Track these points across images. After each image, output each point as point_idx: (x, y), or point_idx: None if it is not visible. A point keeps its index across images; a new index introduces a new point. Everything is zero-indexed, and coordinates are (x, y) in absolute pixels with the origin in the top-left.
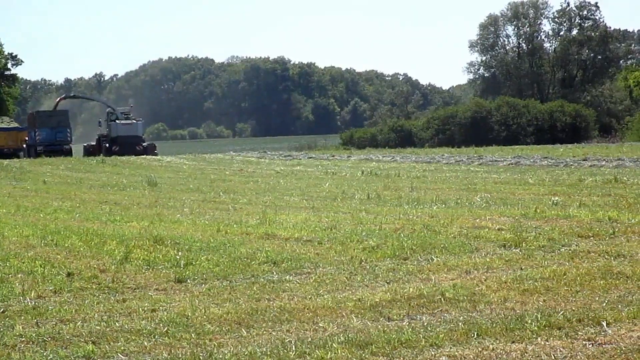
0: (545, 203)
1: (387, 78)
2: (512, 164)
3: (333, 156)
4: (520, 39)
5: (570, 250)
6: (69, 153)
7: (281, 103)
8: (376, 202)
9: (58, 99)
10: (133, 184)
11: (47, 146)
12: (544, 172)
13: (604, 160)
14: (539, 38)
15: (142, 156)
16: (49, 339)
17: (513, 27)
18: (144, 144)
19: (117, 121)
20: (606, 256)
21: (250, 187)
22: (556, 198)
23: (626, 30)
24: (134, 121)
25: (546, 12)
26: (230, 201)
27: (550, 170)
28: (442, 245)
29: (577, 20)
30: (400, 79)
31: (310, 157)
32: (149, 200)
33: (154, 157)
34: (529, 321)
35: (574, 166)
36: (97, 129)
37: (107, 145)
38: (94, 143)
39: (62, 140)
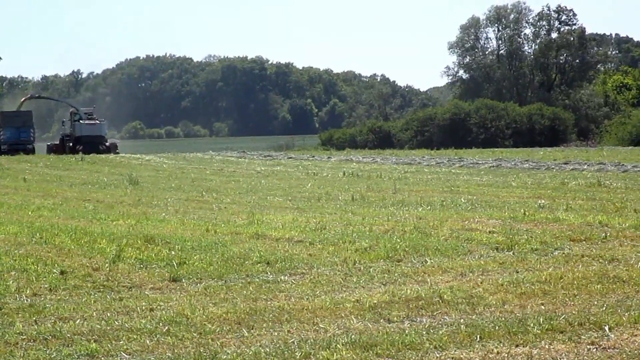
0: (531, 206)
1: (364, 79)
2: (493, 166)
3: (313, 157)
4: (500, 42)
5: (563, 253)
6: (31, 152)
7: (258, 103)
8: (360, 204)
9: (23, 99)
10: (114, 182)
11: (11, 145)
12: (525, 175)
13: (586, 164)
14: (519, 41)
15: (121, 154)
16: (50, 337)
17: (494, 29)
18: (107, 143)
19: (81, 121)
20: (600, 260)
21: (232, 187)
22: (542, 201)
23: (604, 34)
24: (97, 121)
25: (527, 16)
26: (214, 201)
27: (532, 174)
28: (434, 247)
29: (556, 24)
30: (378, 80)
31: (290, 158)
32: (132, 199)
33: (132, 155)
34: (531, 324)
35: (556, 169)
36: (62, 128)
37: (71, 144)
38: (57, 142)
39: (25, 140)
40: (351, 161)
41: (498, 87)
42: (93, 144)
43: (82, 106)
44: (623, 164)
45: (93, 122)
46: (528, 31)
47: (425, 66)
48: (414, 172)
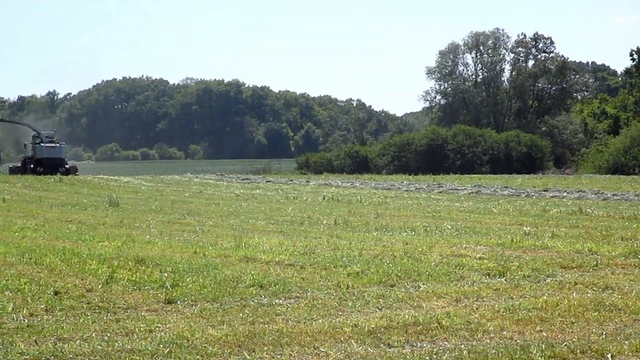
0: (515, 233)
1: (340, 103)
2: (472, 192)
3: (291, 181)
4: (478, 68)
5: (556, 281)
6: None
7: (234, 126)
8: (344, 228)
9: None
10: (94, 204)
11: None
12: (506, 202)
13: (565, 191)
14: (497, 68)
15: (100, 176)
16: (52, 357)
17: (472, 56)
18: (67, 165)
19: (42, 144)
20: (594, 288)
21: (213, 210)
22: (527, 228)
23: (581, 62)
24: (58, 144)
25: (505, 43)
26: (197, 223)
27: (512, 200)
28: (427, 273)
29: (533, 51)
30: (354, 104)
31: (268, 181)
32: (114, 221)
33: (111, 177)
34: (534, 351)
35: (536, 197)
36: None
37: (32, 166)
38: (19, 165)
39: None
40: (330, 185)
41: (475, 113)
42: (53, 166)
43: (57, 128)
44: (603, 192)
45: (53, 145)
46: (506, 58)
47: (401, 92)
48: (394, 197)
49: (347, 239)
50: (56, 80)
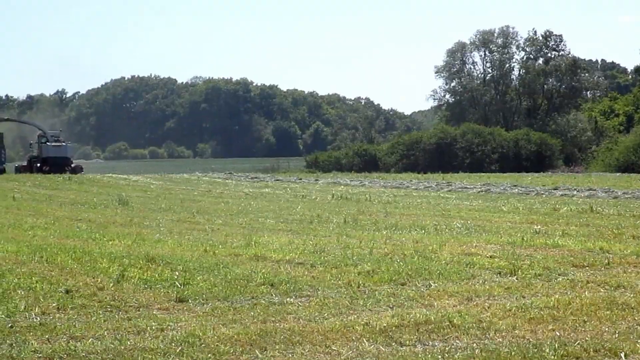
0: (525, 231)
1: (349, 102)
2: (482, 191)
3: (300, 179)
4: (487, 66)
5: (568, 279)
6: (2, 172)
7: (242, 124)
8: (353, 227)
9: None
10: (103, 202)
11: None
12: (515, 200)
13: (575, 189)
14: (506, 66)
15: (109, 175)
16: (65, 355)
17: (481, 54)
18: (72, 164)
19: (47, 143)
20: (606, 287)
21: (222, 209)
22: (537, 226)
23: (591, 60)
24: (64, 144)
25: (515, 40)
26: (206, 222)
27: (522, 199)
28: (437, 272)
29: (543, 49)
30: (363, 103)
31: (277, 180)
32: (124, 219)
33: (120, 175)
34: (547, 350)
35: (546, 195)
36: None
37: (38, 165)
38: (25, 164)
39: None
40: (339, 184)
41: (484, 112)
42: (59, 165)
43: (65, 126)
44: (613, 190)
45: (59, 144)
46: (515, 56)
47: (410, 90)
48: (403, 195)
49: (357, 237)
50: (65, 79)
